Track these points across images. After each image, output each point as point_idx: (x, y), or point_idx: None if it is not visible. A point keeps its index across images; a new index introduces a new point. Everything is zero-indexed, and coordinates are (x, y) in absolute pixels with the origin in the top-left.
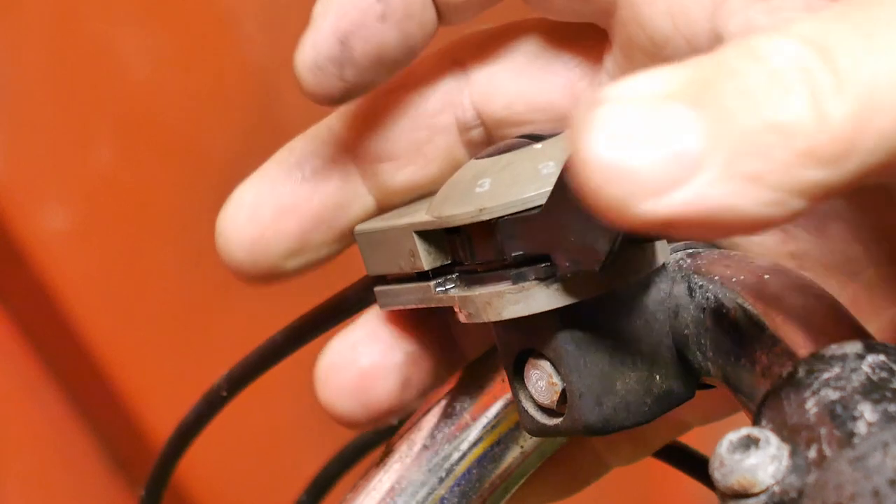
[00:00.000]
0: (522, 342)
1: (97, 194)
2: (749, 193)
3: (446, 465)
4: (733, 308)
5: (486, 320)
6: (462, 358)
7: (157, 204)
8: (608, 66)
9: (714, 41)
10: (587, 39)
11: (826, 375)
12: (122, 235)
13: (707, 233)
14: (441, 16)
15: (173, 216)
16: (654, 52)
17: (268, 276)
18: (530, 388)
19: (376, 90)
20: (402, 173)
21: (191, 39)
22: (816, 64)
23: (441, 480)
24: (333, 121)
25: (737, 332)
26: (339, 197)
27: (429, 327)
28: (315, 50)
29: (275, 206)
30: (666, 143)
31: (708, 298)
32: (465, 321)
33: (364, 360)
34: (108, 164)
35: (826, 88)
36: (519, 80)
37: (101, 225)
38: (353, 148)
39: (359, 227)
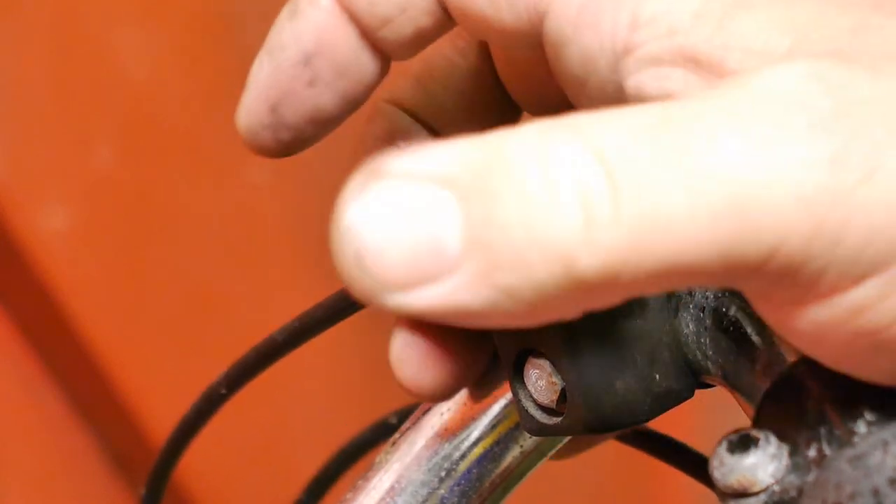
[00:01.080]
0: (522, 341)
1: (97, 194)
2: (499, 303)
3: (446, 465)
4: (733, 307)
5: None
6: None
7: (157, 204)
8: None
9: (620, 93)
10: None
11: (825, 374)
12: (122, 235)
13: (455, 324)
14: (389, 57)
15: (173, 216)
16: (578, 89)
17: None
18: (530, 387)
19: None
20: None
21: (191, 39)
22: (598, 184)
23: (441, 480)
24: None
25: (737, 331)
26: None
27: None
28: (248, 116)
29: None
30: (423, 238)
31: (708, 297)
32: None
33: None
34: (108, 164)
35: (599, 214)
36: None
37: (101, 225)
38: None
39: None
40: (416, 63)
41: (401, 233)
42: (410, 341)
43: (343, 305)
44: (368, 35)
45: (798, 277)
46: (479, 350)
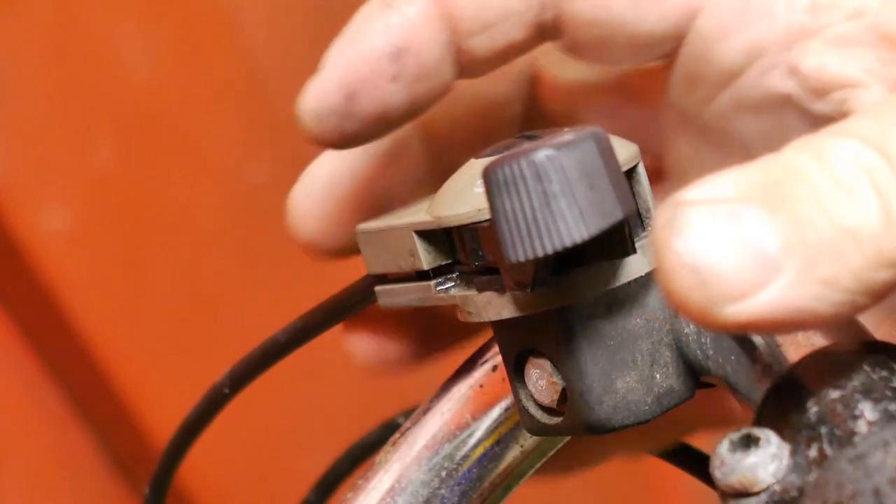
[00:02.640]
0: (523, 341)
1: (97, 194)
2: (823, 296)
3: (447, 465)
4: None
5: (487, 319)
6: None
7: (157, 204)
8: (672, 90)
9: (791, 75)
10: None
11: (826, 374)
12: (122, 235)
13: (782, 331)
14: (463, 71)
15: (173, 216)
16: (721, 86)
17: (341, 248)
18: (530, 387)
19: None
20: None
21: (191, 39)
22: (880, 166)
23: (441, 480)
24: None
25: None
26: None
27: None
28: (319, 100)
29: (351, 176)
30: (745, 249)
31: None
32: (464, 320)
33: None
34: (108, 164)
35: (891, 189)
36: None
37: (101, 225)
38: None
39: (359, 227)
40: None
41: (727, 247)
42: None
43: (345, 305)
44: (459, 41)
45: None
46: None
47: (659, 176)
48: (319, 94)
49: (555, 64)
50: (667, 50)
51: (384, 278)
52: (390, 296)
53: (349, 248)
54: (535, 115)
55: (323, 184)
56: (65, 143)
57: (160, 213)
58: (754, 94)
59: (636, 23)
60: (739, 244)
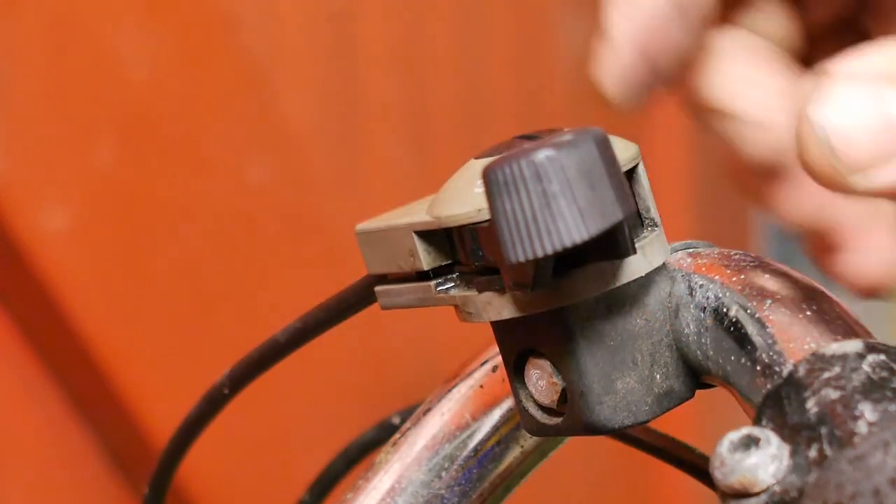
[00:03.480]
0: (523, 342)
1: (97, 194)
2: None
3: (447, 465)
4: (733, 307)
5: (487, 320)
6: None
7: (157, 204)
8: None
9: None
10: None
11: (826, 375)
12: (122, 235)
13: None
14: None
15: (173, 216)
16: None
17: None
18: (530, 387)
19: None
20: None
21: (191, 39)
22: None
23: (442, 480)
24: None
25: (737, 331)
26: None
27: None
28: (617, 66)
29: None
30: (880, 123)
31: (708, 298)
32: (464, 321)
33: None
34: (108, 164)
35: None
36: None
37: (101, 225)
38: None
39: (359, 227)
40: None
41: (860, 122)
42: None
43: (345, 306)
44: None
45: None
46: None
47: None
48: (616, 60)
49: None
50: None
51: (384, 278)
52: (390, 296)
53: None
54: None
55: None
56: (65, 143)
57: (160, 213)
58: None
59: None
60: (873, 119)
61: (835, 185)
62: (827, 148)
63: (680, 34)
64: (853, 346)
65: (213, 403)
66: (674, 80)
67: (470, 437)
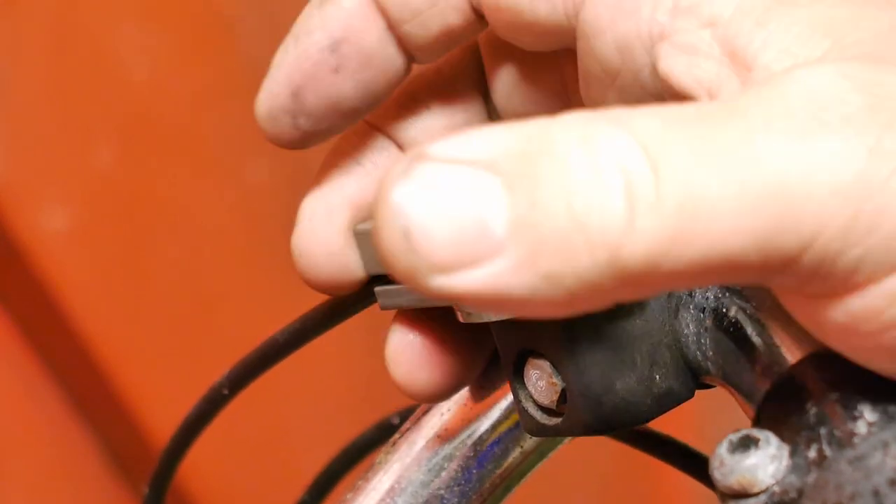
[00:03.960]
0: (522, 342)
1: (97, 194)
2: (540, 289)
3: (446, 465)
4: (733, 307)
5: (486, 320)
6: None
7: (157, 204)
8: (581, 91)
9: (655, 80)
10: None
11: (826, 375)
12: (122, 235)
13: (490, 311)
14: (412, 57)
15: (173, 216)
16: (608, 83)
17: (351, 282)
18: (530, 387)
19: None
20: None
21: (191, 39)
22: (641, 169)
23: (441, 480)
24: (370, 117)
25: (737, 331)
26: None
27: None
28: (269, 100)
29: (351, 206)
30: (466, 222)
31: (708, 298)
32: (465, 321)
33: (433, 331)
34: (108, 164)
35: (643, 200)
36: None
37: (101, 225)
38: (396, 136)
39: (357, 227)
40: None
41: (448, 214)
42: (406, 340)
43: (344, 306)
44: (395, 28)
45: (834, 269)
46: (477, 350)
47: None
48: (268, 95)
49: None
50: (568, 41)
51: (383, 279)
52: (390, 296)
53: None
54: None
55: (324, 216)
56: (65, 143)
57: (160, 213)
58: (630, 94)
59: (532, 10)
60: (461, 215)
61: (412, 281)
62: (404, 239)
63: (336, 79)
64: None
65: (212, 404)
66: (330, 125)
67: (469, 437)
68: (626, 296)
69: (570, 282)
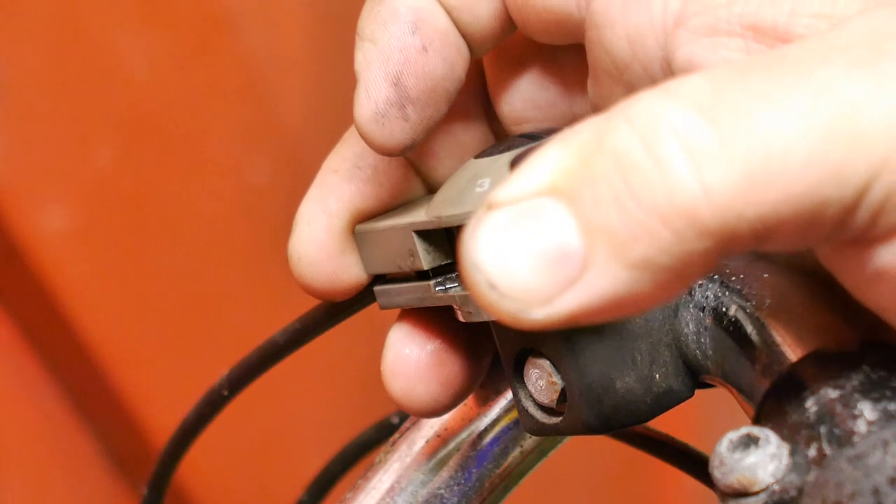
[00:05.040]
0: (522, 341)
1: (97, 194)
2: (640, 280)
3: (446, 465)
4: (733, 307)
5: (486, 319)
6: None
7: (157, 204)
8: (588, 88)
9: (667, 70)
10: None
11: (826, 374)
12: (122, 235)
13: (607, 318)
14: (470, 47)
15: (173, 216)
16: (617, 77)
17: (349, 287)
18: (530, 387)
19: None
20: (444, 167)
21: (191, 39)
22: (700, 130)
23: (440, 480)
24: None
25: (736, 330)
26: (404, 189)
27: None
28: (372, 99)
29: (349, 210)
30: (544, 250)
31: (707, 297)
32: (465, 320)
33: (430, 344)
34: (108, 164)
35: (709, 156)
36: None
37: (101, 225)
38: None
39: (358, 227)
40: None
41: (523, 251)
42: (403, 354)
43: (344, 306)
44: (451, 14)
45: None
46: (478, 356)
47: None
48: (370, 94)
49: None
50: (577, 33)
51: (382, 278)
52: (389, 296)
53: (358, 284)
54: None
55: (322, 221)
56: (65, 143)
57: (160, 213)
58: (640, 88)
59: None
60: (535, 247)
61: (520, 323)
62: (491, 290)
63: (426, 59)
64: (852, 345)
65: (212, 405)
66: (431, 111)
67: (469, 436)
68: (721, 255)
69: (662, 260)
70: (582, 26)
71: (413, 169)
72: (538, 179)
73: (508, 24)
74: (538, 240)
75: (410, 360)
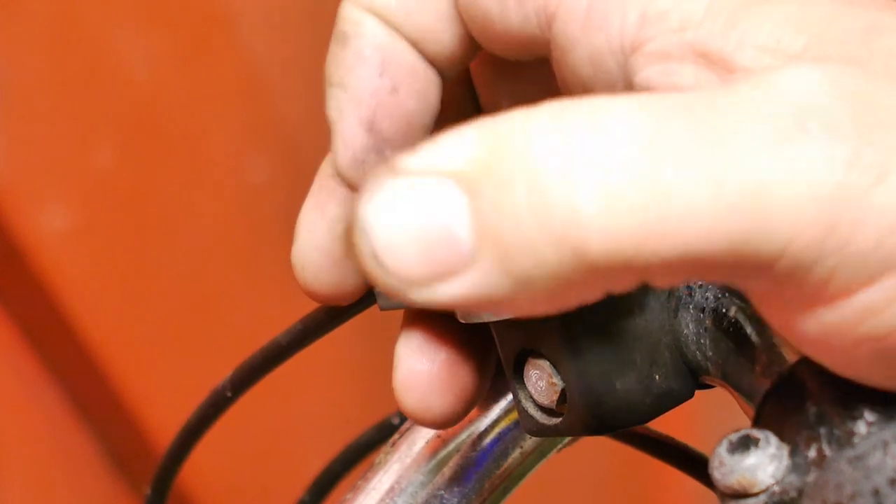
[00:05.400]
0: (522, 342)
1: (97, 194)
2: (518, 292)
3: (446, 465)
4: (733, 307)
5: (486, 320)
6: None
7: (157, 204)
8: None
9: (629, 91)
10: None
11: (826, 375)
12: (122, 235)
13: (475, 312)
14: (440, 72)
15: (173, 216)
16: (585, 93)
17: (355, 290)
18: (530, 387)
19: None
20: None
21: (191, 39)
22: (610, 163)
23: (441, 480)
24: None
25: (736, 331)
26: None
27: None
28: (350, 148)
29: (348, 214)
30: (432, 236)
31: (707, 298)
32: (464, 321)
33: (440, 355)
34: (108, 164)
35: (616, 196)
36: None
37: (101, 225)
38: None
39: None
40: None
41: (412, 230)
42: (415, 368)
43: (345, 308)
44: (416, 45)
45: (807, 278)
46: (483, 367)
47: None
48: (346, 143)
49: None
50: (542, 52)
51: None
52: (389, 297)
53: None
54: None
55: (324, 228)
56: (65, 143)
57: (160, 213)
58: None
59: (503, 20)
60: (426, 230)
61: (396, 298)
62: (375, 262)
63: (399, 100)
64: None
65: (215, 406)
66: (413, 140)
67: (469, 437)
68: (604, 290)
69: (542, 282)
70: (547, 44)
71: None
72: (448, 159)
73: (473, 45)
74: (429, 222)
75: (423, 373)
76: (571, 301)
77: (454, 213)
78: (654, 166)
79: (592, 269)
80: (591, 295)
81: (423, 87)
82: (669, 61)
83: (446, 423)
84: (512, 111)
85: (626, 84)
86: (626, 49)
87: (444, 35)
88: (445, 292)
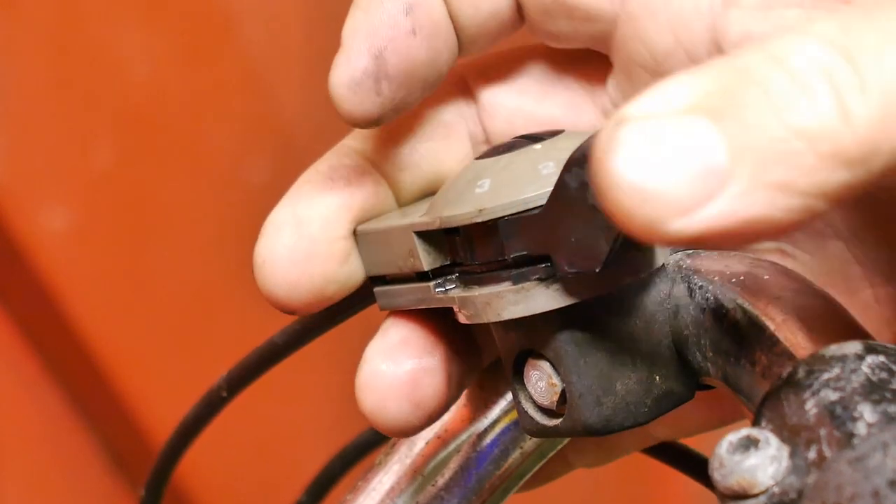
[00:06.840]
0: (522, 342)
1: (97, 194)
2: (777, 202)
3: (446, 466)
4: (733, 308)
5: (486, 321)
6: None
7: (157, 204)
8: (610, 89)
9: (714, 52)
10: (588, 65)
11: (826, 376)
12: (122, 235)
13: (737, 242)
14: (461, 44)
15: (173, 216)
16: (655, 68)
17: (315, 297)
18: (530, 388)
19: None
20: (420, 181)
21: (191, 39)
22: (838, 63)
23: (441, 481)
24: (351, 140)
25: (736, 332)
26: (374, 202)
27: (453, 329)
28: (350, 67)
29: (319, 217)
30: (689, 162)
31: (707, 299)
32: (465, 322)
33: (407, 363)
34: (108, 164)
35: (849, 88)
36: (520, 98)
37: (101, 225)
38: (375, 160)
39: (359, 228)
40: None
41: (672, 163)
42: (379, 370)
43: (343, 307)
44: (449, 5)
45: None
46: (453, 382)
47: None
48: (349, 61)
49: None
50: (606, 28)
51: (382, 279)
52: (389, 297)
53: (325, 290)
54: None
55: (292, 226)
56: (65, 143)
57: (160, 213)
58: None
59: None
60: (682, 158)
61: (653, 234)
62: (634, 193)
63: (413, 42)
64: (852, 347)
65: (211, 406)
66: (405, 95)
67: (469, 438)
68: (852, 190)
69: (802, 184)
70: (608, 24)
71: (385, 182)
72: (679, 100)
73: (506, 25)
74: (686, 153)
75: (385, 376)
76: (820, 208)
77: (705, 139)
78: (873, 57)
79: (849, 165)
80: (837, 200)
81: (438, 45)
82: (773, 8)
83: (402, 431)
84: (718, 59)
85: (710, 44)
86: (715, 8)
87: (484, 2)
88: (705, 216)
